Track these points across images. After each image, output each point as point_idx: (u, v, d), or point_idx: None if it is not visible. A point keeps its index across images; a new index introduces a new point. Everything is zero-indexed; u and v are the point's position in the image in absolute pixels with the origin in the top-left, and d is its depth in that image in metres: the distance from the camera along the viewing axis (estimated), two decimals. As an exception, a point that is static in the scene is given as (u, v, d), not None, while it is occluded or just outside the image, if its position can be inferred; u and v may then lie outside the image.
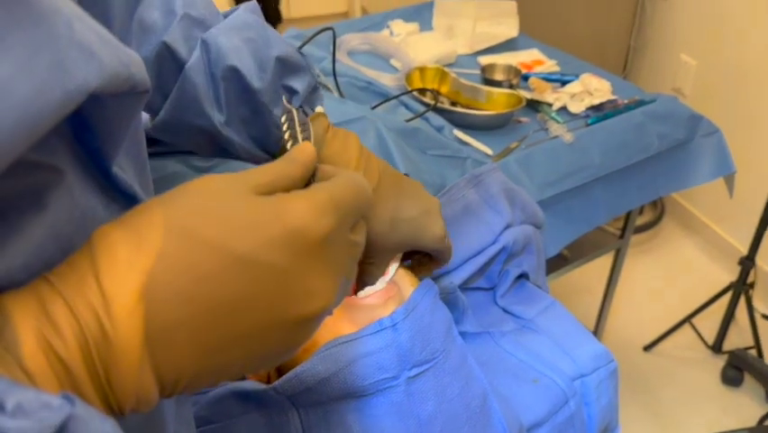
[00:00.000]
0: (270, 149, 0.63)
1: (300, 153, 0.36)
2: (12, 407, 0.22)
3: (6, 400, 0.22)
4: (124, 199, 0.36)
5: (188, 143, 0.63)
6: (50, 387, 0.26)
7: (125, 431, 0.29)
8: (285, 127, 0.50)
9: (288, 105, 0.51)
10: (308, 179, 0.37)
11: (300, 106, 0.61)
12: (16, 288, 0.28)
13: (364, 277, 0.64)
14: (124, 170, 0.36)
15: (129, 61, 0.31)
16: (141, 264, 0.28)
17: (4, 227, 0.28)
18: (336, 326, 0.62)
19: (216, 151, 0.64)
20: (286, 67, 0.60)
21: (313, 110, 0.63)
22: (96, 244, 0.29)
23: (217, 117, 0.59)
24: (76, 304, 0.27)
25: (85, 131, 0.32)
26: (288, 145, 0.50)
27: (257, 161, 0.64)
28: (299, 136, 0.49)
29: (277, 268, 0.30)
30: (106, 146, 0.33)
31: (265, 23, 0.62)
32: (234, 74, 0.58)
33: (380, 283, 0.65)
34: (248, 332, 0.30)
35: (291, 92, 0.61)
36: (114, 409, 0.29)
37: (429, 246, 0.65)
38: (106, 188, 0.35)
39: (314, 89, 0.63)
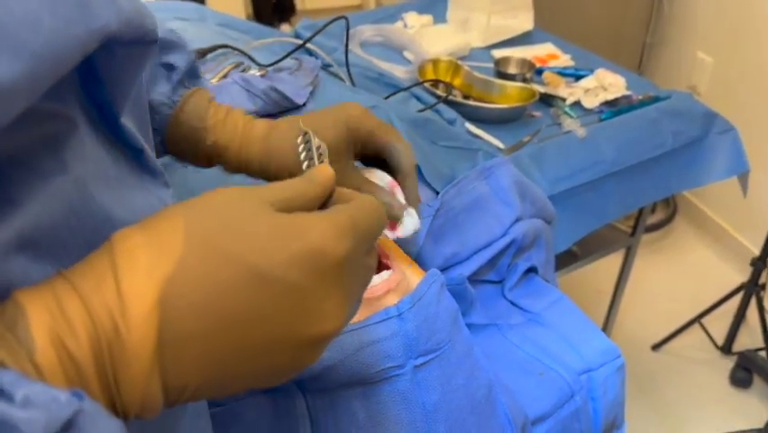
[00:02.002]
0: (156, 127, 0.63)
1: (319, 174, 0.36)
2: (21, 398, 0.22)
3: (16, 393, 0.22)
4: (133, 155, 0.37)
5: None
6: (58, 384, 0.26)
7: None
8: (301, 149, 0.51)
9: (305, 128, 0.52)
10: (325, 201, 0.37)
11: (180, 81, 0.62)
12: (38, 251, 0.28)
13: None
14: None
15: (142, 10, 0.31)
16: (161, 271, 0.28)
17: (29, 178, 0.28)
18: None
19: None
20: (162, 44, 0.61)
21: (193, 86, 0.64)
22: (116, 246, 0.29)
23: None
24: (92, 304, 0.27)
25: (93, 81, 0.32)
26: (304, 166, 0.51)
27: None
28: (316, 159, 0.49)
29: (294, 286, 0.30)
30: (114, 97, 0.33)
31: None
32: None
33: (387, 274, 0.65)
34: (258, 348, 0.30)
35: (170, 68, 0.62)
36: (118, 412, 0.28)
37: (361, 122, 0.62)
38: (114, 144, 0.35)
39: (193, 70, 0.64)
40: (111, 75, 0.32)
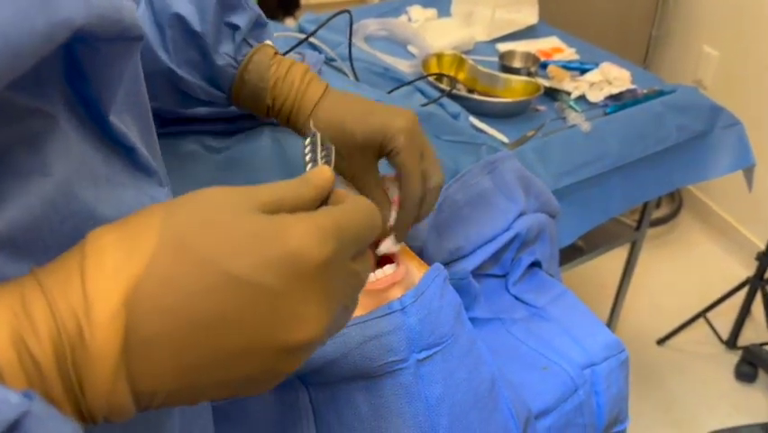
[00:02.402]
0: (223, 87, 0.68)
1: (315, 176, 0.36)
2: None
3: None
4: (125, 153, 0.36)
5: (152, 96, 0.66)
6: (17, 384, 0.26)
7: None
8: (307, 150, 0.51)
9: (313, 129, 0.53)
10: (321, 203, 0.36)
11: (244, 39, 0.67)
12: (16, 250, 0.28)
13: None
14: (128, 127, 0.36)
15: (120, 5, 0.31)
16: (129, 271, 0.27)
17: (7, 176, 0.27)
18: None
19: (180, 98, 0.69)
20: (225, 6, 0.65)
21: (258, 42, 0.68)
22: (88, 245, 0.28)
23: (169, 62, 0.65)
24: (57, 303, 0.26)
25: (79, 78, 0.32)
26: (308, 168, 0.51)
27: (216, 101, 0.70)
28: (320, 160, 0.49)
29: (268, 290, 0.29)
30: (101, 94, 0.33)
31: None
32: (179, 21, 0.64)
33: (390, 268, 0.65)
34: (231, 354, 0.29)
35: (233, 27, 0.66)
36: (84, 415, 0.28)
37: (396, 137, 0.62)
38: (105, 141, 0.34)
39: (258, 24, 0.69)
40: (96, 72, 0.32)
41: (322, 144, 0.51)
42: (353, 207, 0.34)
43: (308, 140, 0.52)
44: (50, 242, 0.30)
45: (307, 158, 0.52)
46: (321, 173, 0.36)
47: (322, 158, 0.50)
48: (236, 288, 0.28)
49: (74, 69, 0.31)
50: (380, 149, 0.63)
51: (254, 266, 0.28)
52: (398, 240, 0.66)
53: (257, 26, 0.69)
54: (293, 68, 0.68)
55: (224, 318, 0.28)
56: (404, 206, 0.64)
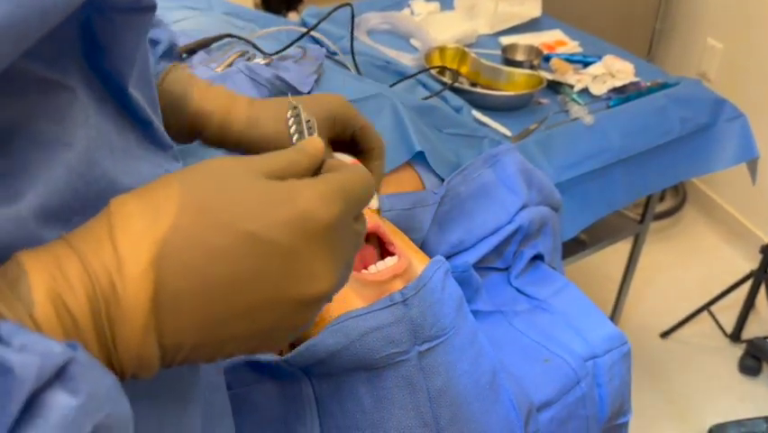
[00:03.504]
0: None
1: (309, 145, 0.38)
2: (17, 345, 0.23)
3: (13, 340, 0.23)
4: (141, 127, 0.38)
5: None
6: (56, 338, 0.27)
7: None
8: (291, 122, 0.53)
9: (294, 102, 0.54)
10: (316, 171, 0.38)
11: (163, 56, 0.64)
12: (48, 217, 0.29)
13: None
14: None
15: None
16: (156, 233, 0.29)
17: (31, 147, 0.29)
18: (346, 300, 0.62)
19: None
20: None
21: (171, 61, 0.65)
22: (113, 212, 0.30)
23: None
24: (90, 262, 0.28)
25: (95, 50, 0.33)
26: (294, 139, 0.53)
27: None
28: (305, 131, 0.51)
29: (284, 248, 0.31)
30: (119, 67, 0.34)
31: None
32: None
33: (392, 260, 0.65)
34: (251, 308, 0.31)
35: (153, 43, 0.63)
36: (115, 370, 0.29)
37: (344, 110, 0.61)
38: (122, 114, 0.36)
39: (173, 45, 0.66)
40: (112, 44, 0.33)
41: (304, 117, 0.52)
42: (353, 173, 0.36)
43: (291, 112, 0.53)
44: (77, 207, 0.32)
45: (292, 130, 0.53)
46: (314, 143, 0.38)
47: (307, 129, 0.52)
48: (253, 246, 0.30)
49: (91, 43, 0.33)
50: (332, 128, 0.61)
51: (269, 226, 0.31)
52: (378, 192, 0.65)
53: (173, 47, 0.66)
54: (214, 84, 0.65)
55: (243, 274, 0.30)
56: (379, 155, 0.63)
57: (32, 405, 0.23)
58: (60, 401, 0.23)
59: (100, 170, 0.33)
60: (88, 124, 0.32)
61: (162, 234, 0.29)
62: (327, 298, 0.34)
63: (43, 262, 0.28)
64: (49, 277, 0.28)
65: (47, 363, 0.23)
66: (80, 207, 0.32)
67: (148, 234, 0.29)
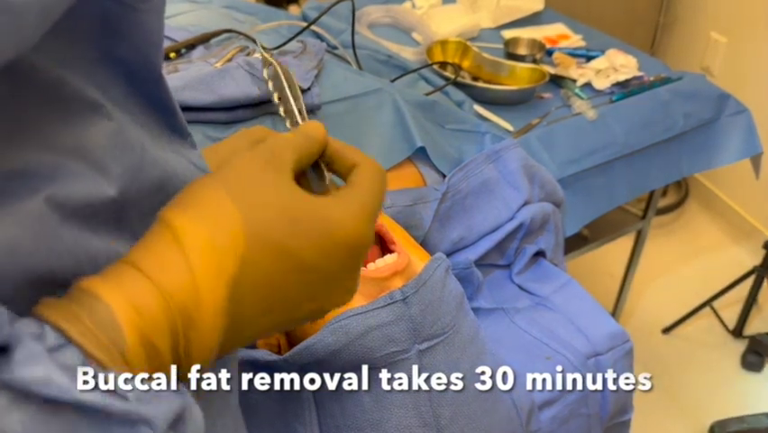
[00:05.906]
0: None
1: (315, 131, 0.39)
2: (136, 397, 0.26)
3: (129, 392, 0.26)
4: (164, 116, 0.38)
5: None
6: (141, 370, 0.29)
7: None
8: (271, 87, 0.50)
9: (270, 59, 0.50)
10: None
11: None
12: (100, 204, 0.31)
13: None
14: None
15: None
16: (229, 270, 0.31)
17: (79, 111, 0.31)
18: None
19: None
20: None
21: None
22: (182, 240, 0.31)
23: None
24: (171, 296, 0.30)
25: (118, 41, 0.33)
26: (276, 98, 0.50)
27: None
28: (287, 92, 0.48)
29: (331, 274, 0.35)
30: (145, 57, 0.35)
31: None
32: None
33: (392, 257, 0.64)
34: (292, 321, 0.36)
35: None
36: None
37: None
38: (144, 107, 0.37)
39: None
40: (135, 32, 0.34)
41: (283, 74, 0.49)
42: (374, 181, 0.38)
43: (266, 72, 0.50)
44: (139, 199, 0.33)
45: (272, 88, 0.50)
46: (316, 128, 0.39)
47: (288, 88, 0.49)
48: (307, 274, 0.34)
49: (114, 35, 0.33)
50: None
51: (322, 257, 0.34)
52: None
53: None
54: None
55: (295, 298, 0.34)
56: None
57: None
58: None
59: (151, 156, 0.34)
60: (121, 106, 0.33)
61: (235, 269, 0.31)
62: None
63: (126, 297, 0.29)
64: (135, 315, 0.29)
65: (169, 411, 0.26)
66: (140, 194, 0.33)
67: (223, 270, 0.31)
